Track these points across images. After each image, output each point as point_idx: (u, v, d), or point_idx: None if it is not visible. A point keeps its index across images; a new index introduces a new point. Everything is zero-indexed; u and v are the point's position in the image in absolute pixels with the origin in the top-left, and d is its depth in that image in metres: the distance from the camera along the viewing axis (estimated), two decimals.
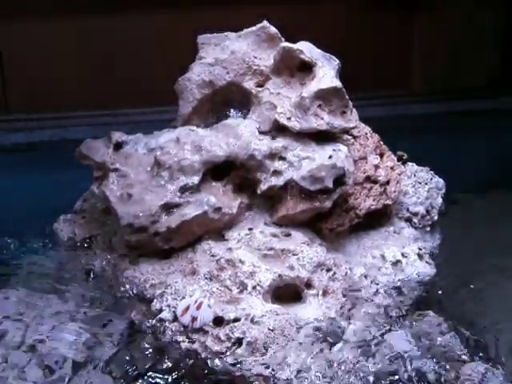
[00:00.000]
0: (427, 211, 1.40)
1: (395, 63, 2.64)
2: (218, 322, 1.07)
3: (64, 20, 2.30)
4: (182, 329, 1.08)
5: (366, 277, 1.23)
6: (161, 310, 1.12)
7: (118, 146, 1.28)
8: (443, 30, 2.64)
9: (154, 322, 1.11)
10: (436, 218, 1.41)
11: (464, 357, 1.09)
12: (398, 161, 1.44)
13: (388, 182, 1.34)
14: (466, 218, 1.75)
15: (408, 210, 1.39)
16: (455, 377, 1.04)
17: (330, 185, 1.21)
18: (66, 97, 2.32)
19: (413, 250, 1.30)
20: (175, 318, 1.09)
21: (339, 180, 1.22)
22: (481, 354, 1.12)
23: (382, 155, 1.39)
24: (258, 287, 1.11)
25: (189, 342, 1.07)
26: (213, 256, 1.17)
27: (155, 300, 1.14)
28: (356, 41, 2.52)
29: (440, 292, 1.31)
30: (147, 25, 2.37)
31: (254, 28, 1.35)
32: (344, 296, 1.16)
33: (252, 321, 1.07)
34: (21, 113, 2.34)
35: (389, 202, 1.33)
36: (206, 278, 1.14)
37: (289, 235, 1.22)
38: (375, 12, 2.57)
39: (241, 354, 1.04)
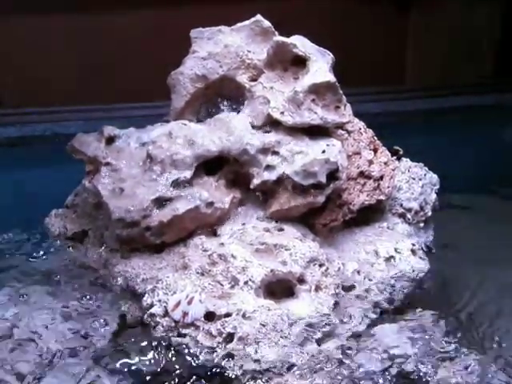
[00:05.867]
0: (421, 207, 1.40)
1: (390, 58, 2.64)
2: (210, 317, 1.07)
3: (57, 16, 2.30)
4: (173, 324, 1.07)
5: (358, 272, 1.22)
6: (152, 305, 1.11)
7: (110, 140, 1.27)
8: (439, 25, 2.65)
9: (145, 316, 1.11)
10: (430, 213, 1.41)
11: (456, 353, 1.09)
12: (393, 156, 1.44)
13: (382, 178, 1.33)
14: (460, 214, 1.75)
15: (402, 205, 1.39)
16: (445, 372, 1.03)
17: (323, 180, 1.20)
18: (59, 91, 2.31)
19: (406, 246, 1.29)
20: (166, 313, 1.08)
21: (332, 175, 1.21)
22: (474, 350, 1.12)
23: (375, 150, 1.38)
24: (250, 282, 1.10)
25: (180, 337, 1.06)
26: (205, 251, 1.16)
27: (146, 295, 1.13)
28: (352, 36, 2.52)
29: (433, 288, 1.31)
30: (143, 22, 2.37)
31: (247, 22, 1.33)
32: (336, 292, 1.15)
33: (244, 316, 1.06)
34: (12, 107, 2.33)
35: (382, 197, 1.32)
36: (198, 273, 1.13)
37: (282, 230, 1.21)
38: (372, 7, 2.57)
39: (232, 349, 1.04)
